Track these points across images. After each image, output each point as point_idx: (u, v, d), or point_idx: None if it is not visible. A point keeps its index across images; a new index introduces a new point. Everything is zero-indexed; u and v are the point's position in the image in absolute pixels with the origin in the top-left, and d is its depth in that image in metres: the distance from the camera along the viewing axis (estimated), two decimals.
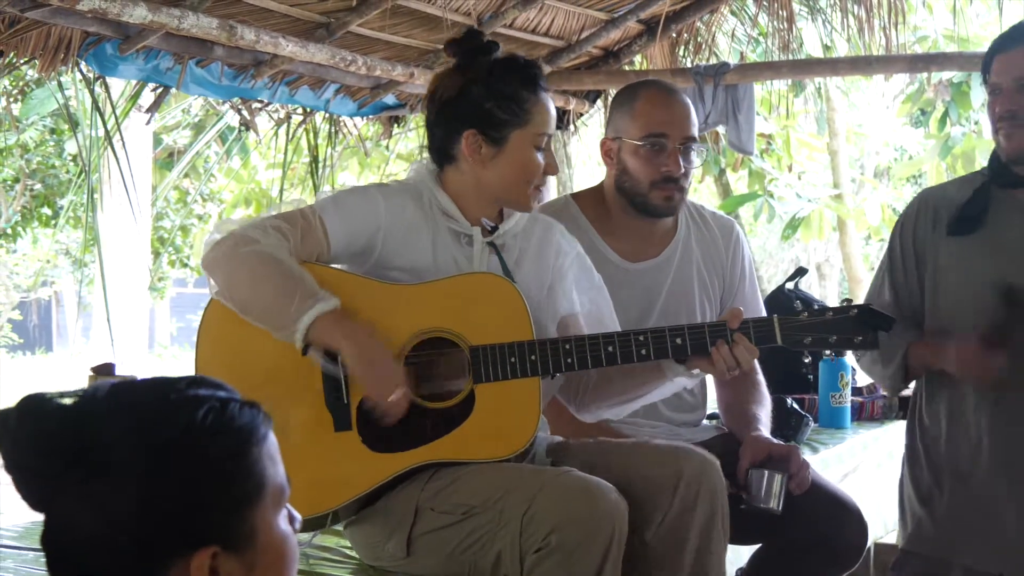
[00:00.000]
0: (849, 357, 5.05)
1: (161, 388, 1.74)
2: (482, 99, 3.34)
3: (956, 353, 3.70)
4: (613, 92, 7.73)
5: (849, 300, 3.44)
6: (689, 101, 4.03)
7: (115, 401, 1.72)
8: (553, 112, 3.41)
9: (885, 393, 4.19)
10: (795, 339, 3.28)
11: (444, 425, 3.20)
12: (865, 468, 5.18)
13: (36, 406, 1.71)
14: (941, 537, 3.83)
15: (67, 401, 1.71)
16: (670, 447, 3.30)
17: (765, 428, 4.02)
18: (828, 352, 3.98)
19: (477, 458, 3.18)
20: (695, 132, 3.98)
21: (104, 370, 2.98)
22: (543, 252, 3.49)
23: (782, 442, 3.96)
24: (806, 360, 3.44)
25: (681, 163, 3.93)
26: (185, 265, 18.23)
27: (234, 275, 3.14)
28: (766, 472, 3.72)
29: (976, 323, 3.73)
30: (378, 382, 3.10)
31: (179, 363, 22.28)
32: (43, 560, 3.11)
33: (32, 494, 1.71)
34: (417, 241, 3.31)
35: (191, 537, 1.68)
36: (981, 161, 8.71)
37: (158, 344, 25.98)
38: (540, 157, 3.37)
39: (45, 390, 1.76)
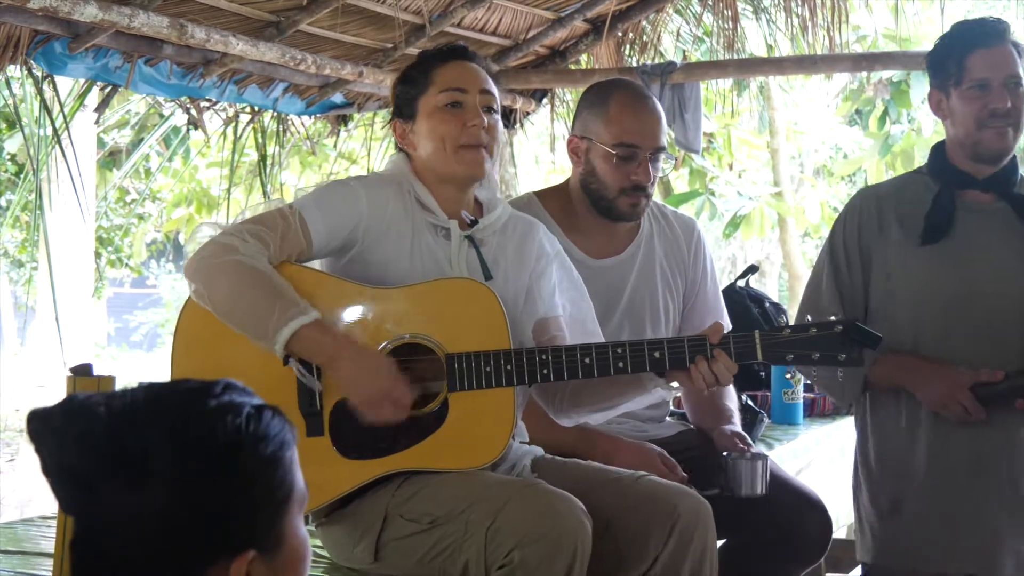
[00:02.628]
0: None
1: (198, 394, 1.74)
2: (398, 88, 3.42)
3: (940, 395, 3.73)
4: (560, 91, 7.80)
5: (835, 315, 3.36)
6: (659, 107, 4.04)
7: (156, 407, 1.72)
8: (472, 72, 3.37)
9: (834, 401, 4.18)
10: (777, 355, 3.19)
11: (417, 433, 3.16)
12: (818, 464, 5.22)
13: (81, 408, 1.71)
14: (908, 547, 3.85)
15: (110, 405, 1.71)
16: (667, 486, 3.29)
17: (737, 421, 4.09)
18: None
19: (448, 467, 3.16)
20: (665, 141, 3.99)
21: (82, 370, 2.95)
22: (524, 253, 3.46)
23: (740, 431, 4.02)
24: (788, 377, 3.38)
25: (651, 172, 3.95)
26: (125, 265, 18.10)
27: (214, 285, 3.11)
28: (745, 461, 3.75)
29: (923, 328, 3.80)
30: (369, 397, 3.08)
31: (117, 363, 22.09)
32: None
33: (69, 496, 1.71)
34: (396, 235, 3.29)
35: (231, 543, 1.70)
36: (920, 159, 8.79)
37: (95, 344, 25.77)
38: (455, 114, 3.32)
39: (81, 393, 1.76)
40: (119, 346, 25.68)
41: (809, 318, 3.32)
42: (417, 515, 3.10)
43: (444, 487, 3.11)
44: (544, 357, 3.17)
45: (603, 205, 4.01)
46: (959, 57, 3.79)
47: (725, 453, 3.79)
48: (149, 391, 1.74)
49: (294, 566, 1.78)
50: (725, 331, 3.21)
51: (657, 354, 3.17)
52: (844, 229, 3.95)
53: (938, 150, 3.94)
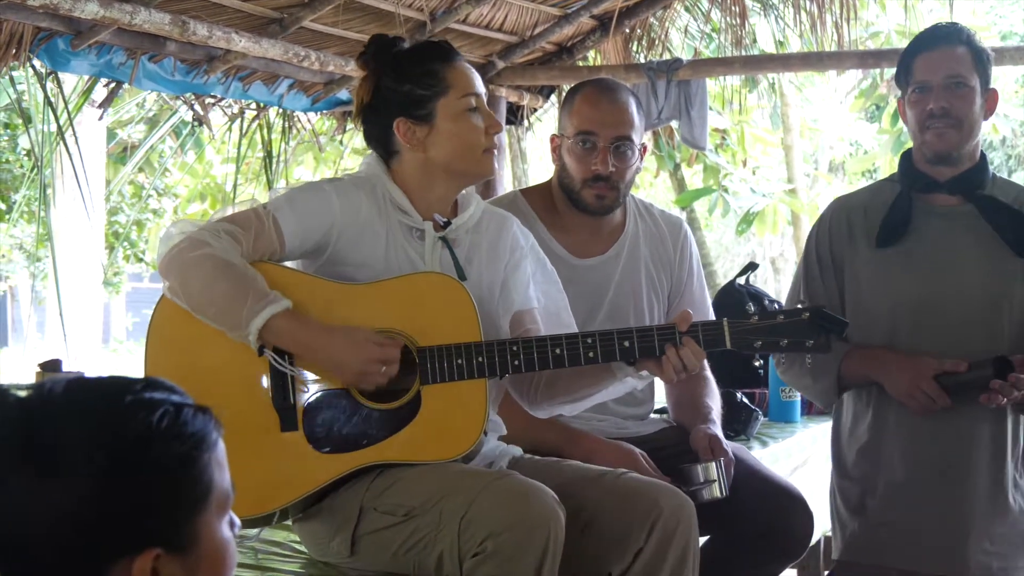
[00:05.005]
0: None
1: (117, 389, 1.75)
2: (396, 86, 3.36)
3: (905, 384, 3.77)
4: (567, 88, 7.79)
5: (802, 302, 3.42)
6: (630, 100, 4.05)
7: (71, 399, 1.73)
8: (474, 73, 3.41)
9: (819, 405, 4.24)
10: (745, 342, 3.23)
11: (390, 426, 3.19)
12: (815, 462, 5.21)
13: None
14: (875, 544, 3.89)
15: (23, 395, 1.73)
16: (649, 483, 3.31)
17: (717, 418, 4.07)
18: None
19: (423, 460, 3.18)
20: (629, 131, 4.00)
21: (51, 366, 2.97)
22: (498, 247, 3.48)
23: (714, 431, 4.00)
24: (756, 364, 3.39)
25: (610, 162, 3.97)
26: (140, 260, 18.14)
27: (187, 278, 3.13)
28: (698, 466, 3.76)
29: (896, 332, 3.86)
30: (359, 369, 3.10)
31: (134, 358, 22.15)
32: None
33: None
34: (370, 237, 3.30)
35: (136, 539, 1.69)
36: None
37: (114, 339, 25.88)
38: (476, 119, 3.37)
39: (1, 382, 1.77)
40: (137, 340, 25.76)
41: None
42: (392, 507, 3.12)
43: (418, 479, 3.13)
44: (515, 348, 3.21)
45: (574, 199, 4.05)
46: (907, 63, 3.88)
47: (684, 465, 3.80)
48: (70, 384, 1.75)
49: (212, 568, 1.77)
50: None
51: (627, 343, 3.21)
52: (817, 239, 4.04)
53: (906, 155, 4.00)
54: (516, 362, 3.20)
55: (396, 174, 3.40)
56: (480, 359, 3.19)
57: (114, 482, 1.68)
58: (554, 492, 3.06)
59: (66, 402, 1.72)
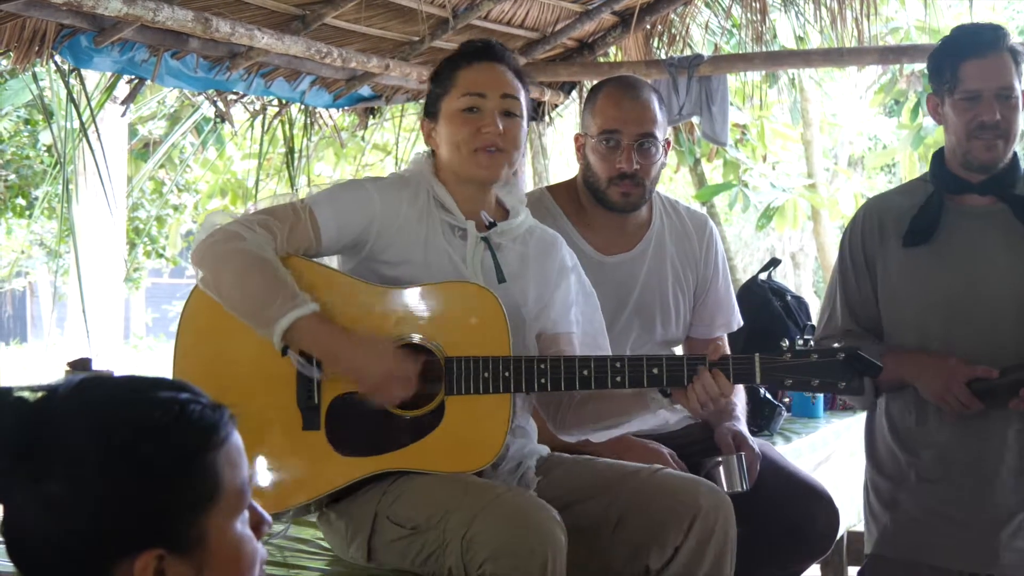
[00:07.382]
0: None
1: (123, 388, 1.75)
2: (429, 86, 3.43)
3: (939, 388, 3.77)
4: (588, 84, 7.80)
5: (850, 331, 3.34)
6: (652, 96, 4.05)
7: (75, 399, 1.73)
8: (495, 75, 3.35)
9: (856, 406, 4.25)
10: (775, 379, 3.14)
11: (411, 434, 3.17)
12: (838, 457, 5.22)
13: None
14: (907, 539, 3.89)
15: (28, 396, 1.72)
16: (688, 480, 3.31)
17: (742, 415, 4.08)
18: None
19: (440, 470, 3.16)
20: (653, 128, 3.99)
21: (80, 365, 2.97)
22: (545, 267, 3.45)
23: (738, 427, 4.01)
24: (785, 400, 3.36)
25: (635, 159, 3.96)
26: (160, 256, 18.18)
27: (220, 271, 3.13)
28: (720, 459, 3.77)
29: (927, 333, 3.85)
30: (376, 382, 3.09)
31: (154, 354, 22.21)
32: None
33: None
34: (410, 235, 3.29)
35: (137, 538, 1.68)
36: None
37: (133, 335, 25.93)
38: (472, 118, 3.31)
39: (14, 384, 1.77)
40: (156, 336, 25.82)
41: (812, 343, 3.19)
42: (402, 520, 3.12)
43: (426, 491, 3.12)
44: (543, 366, 3.16)
45: (600, 197, 4.05)
46: (953, 65, 3.80)
47: (705, 459, 3.81)
48: (78, 384, 1.75)
49: (229, 567, 1.76)
50: (726, 350, 3.28)
51: (655, 370, 3.15)
52: (850, 241, 4.03)
53: (938, 156, 3.96)
54: (543, 380, 3.16)
55: (438, 172, 3.40)
56: (507, 374, 3.15)
57: (110, 481, 1.68)
58: (586, 488, 3.10)
59: (71, 400, 1.73)
